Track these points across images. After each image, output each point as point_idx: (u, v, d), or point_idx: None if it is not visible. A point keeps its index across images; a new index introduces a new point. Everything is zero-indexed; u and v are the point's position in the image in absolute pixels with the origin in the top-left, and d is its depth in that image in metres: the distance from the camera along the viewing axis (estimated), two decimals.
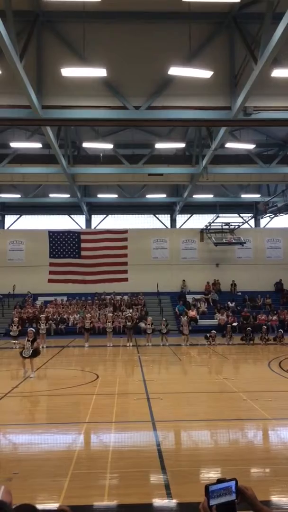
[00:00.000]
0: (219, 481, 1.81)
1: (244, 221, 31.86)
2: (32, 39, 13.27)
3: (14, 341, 20.17)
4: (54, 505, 4.90)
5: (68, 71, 12.45)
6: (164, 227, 33.55)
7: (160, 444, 7.40)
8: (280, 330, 23.07)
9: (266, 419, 8.90)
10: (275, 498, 5.53)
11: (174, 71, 12.42)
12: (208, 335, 21.69)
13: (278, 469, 6.43)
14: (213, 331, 22.37)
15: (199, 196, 28.85)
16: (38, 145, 19.92)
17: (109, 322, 22.65)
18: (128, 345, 21.46)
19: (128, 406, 10.41)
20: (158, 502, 5.48)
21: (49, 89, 14.27)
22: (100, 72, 12.38)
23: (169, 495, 5.51)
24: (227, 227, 30.65)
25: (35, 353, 14.27)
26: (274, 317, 27.19)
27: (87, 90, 14.16)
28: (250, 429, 8.64)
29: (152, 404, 9.99)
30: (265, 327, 22.31)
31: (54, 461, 6.81)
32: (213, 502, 1.75)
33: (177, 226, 33.44)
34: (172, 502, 5.39)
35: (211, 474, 6.25)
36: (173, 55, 13.55)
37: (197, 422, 8.90)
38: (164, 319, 23.30)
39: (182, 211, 32.37)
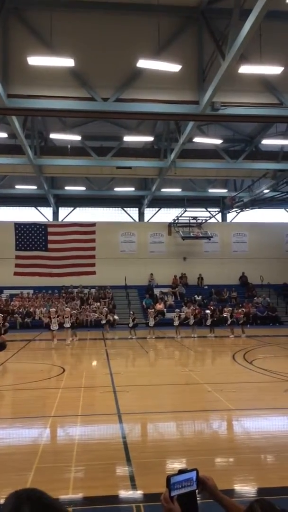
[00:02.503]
0: (181, 472, 1.82)
1: (211, 216, 32.23)
2: None
3: None
4: None
5: (35, 60, 12.19)
6: (132, 220, 33.52)
7: (126, 436, 7.45)
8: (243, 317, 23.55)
9: (230, 410, 9.08)
10: (237, 487, 5.66)
11: (143, 63, 12.37)
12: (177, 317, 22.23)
13: (241, 458, 6.59)
14: (177, 310, 23.51)
15: (167, 190, 28.95)
16: (3, 134, 19.47)
17: (66, 317, 21.33)
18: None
19: (94, 399, 10.42)
20: (122, 493, 5.52)
21: (15, 77, 13.92)
22: (67, 62, 12.18)
23: (133, 487, 5.56)
24: (194, 221, 30.94)
25: (1, 347, 14.01)
26: (240, 310, 27.66)
27: (54, 80, 13.89)
28: (214, 420, 8.81)
29: (118, 397, 10.03)
30: (230, 319, 22.67)
31: (18, 456, 6.75)
32: (174, 493, 1.76)
33: (145, 220, 33.48)
34: (137, 493, 5.44)
35: (175, 465, 6.33)
36: (142, 47, 13.48)
37: (163, 414, 9.00)
38: (131, 312, 23.33)
39: (150, 205, 32.42)
